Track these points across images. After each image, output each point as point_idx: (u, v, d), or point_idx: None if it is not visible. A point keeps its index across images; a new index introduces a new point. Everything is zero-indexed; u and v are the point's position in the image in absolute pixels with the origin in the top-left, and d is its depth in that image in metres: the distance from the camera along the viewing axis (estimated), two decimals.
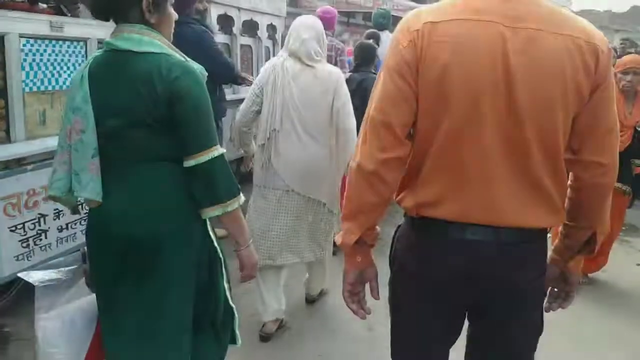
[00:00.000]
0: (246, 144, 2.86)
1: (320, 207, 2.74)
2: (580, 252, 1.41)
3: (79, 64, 3.01)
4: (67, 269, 1.75)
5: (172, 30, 1.65)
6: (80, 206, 1.72)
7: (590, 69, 1.19)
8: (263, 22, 5.40)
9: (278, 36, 5.89)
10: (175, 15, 1.65)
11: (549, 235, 1.41)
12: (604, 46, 1.21)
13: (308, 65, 2.59)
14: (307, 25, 2.65)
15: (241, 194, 1.60)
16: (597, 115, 1.24)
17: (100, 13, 1.57)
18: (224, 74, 3.58)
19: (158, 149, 1.55)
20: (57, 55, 2.87)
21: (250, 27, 5.33)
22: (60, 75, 2.91)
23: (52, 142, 2.81)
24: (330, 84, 2.60)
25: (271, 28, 5.69)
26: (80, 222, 2.99)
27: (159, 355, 1.63)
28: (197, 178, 1.54)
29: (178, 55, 1.55)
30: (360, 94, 3.58)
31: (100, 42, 3.11)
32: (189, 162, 1.52)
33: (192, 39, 3.27)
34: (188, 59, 1.58)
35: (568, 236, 1.39)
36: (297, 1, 12.00)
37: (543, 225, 1.28)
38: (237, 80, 3.87)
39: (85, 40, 3.01)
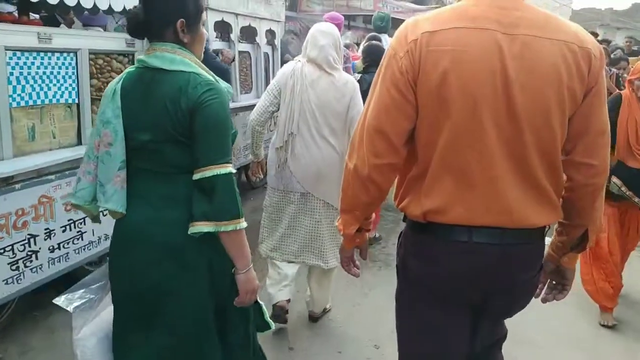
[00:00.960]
0: (258, 145, 2.89)
1: (337, 214, 2.71)
2: (573, 248, 1.47)
3: (70, 76, 2.89)
4: (97, 285, 1.79)
5: (203, 49, 1.72)
6: (99, 215, 1.77)
7: (584, 73, 1.23)
8: (261, 27, 5.28)
9: (277, 41, 5.78)
10: (206, 35, 1.70)
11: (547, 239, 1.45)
12: (596, 51, 1.25)
13: (327, 72, 2.66)
14: (323, 32, 2.71)
15: (243, 219, 1.57)
16: (589, 118, 1.27)
17: (137, 33, 1.63)
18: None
19: (183, 162, 1.57)
20: (46, 67, 2.75)
21: (249, 33, 5.21)
22: (49, 89, 2.78)
23: (42, 159, 2.71)
24: (347, 92, 2.67)
25: (270, 33, 5.57)
26: (72, 241, 2.87)
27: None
28: (199, 192, 1.54)
29: (207, 74, 1.59)
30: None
31: (92, 52, 3.01)
32: (196, 175, 1.53)
33: None
34: (217, 78, 1.63)
35: (562, 234, 1.45)
36: (296, 6, 11.93)
37: (545, 223, 1.32)
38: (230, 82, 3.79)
39: (75, 52, 2.89)
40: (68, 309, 1.73)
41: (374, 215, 1.51)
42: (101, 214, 1.81)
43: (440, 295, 1.38)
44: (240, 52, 4.94)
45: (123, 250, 1.64)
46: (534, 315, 2.00)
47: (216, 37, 4.46)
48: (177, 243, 1.58)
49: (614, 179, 2.97)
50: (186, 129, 1.53)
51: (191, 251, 1.59)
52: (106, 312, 1.74)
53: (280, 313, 2.77)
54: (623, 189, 2.96)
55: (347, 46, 6.19)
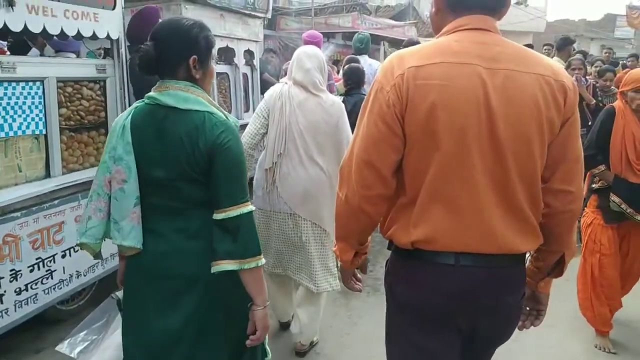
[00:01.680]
0: (249, 168, 2.79)
1: (325, 235, 2.78)
2: (550, 273, 1.51)
3: (36, 106, 2.74)
4: (98, 325, 1.78)
5: (212, 83, 1.75)
6: (100, 252, 1.75)
7: (560, 104, 1.30)
8: (239, 48, 5.19)
9: (256, 62, 5.68)
10: (215, 69, 1.74)
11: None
12: (570, 84, 1.33)
13: (313, 94, 2.70)
14: (309, 55, 2.76)
15: (262, 255, 1.63)
16: (566, 146, 1.34)
17: (149, 69, 1.61)
18: None
19: (197, 197, 1.59)
20: (10, 98, 2.60)
21: (227, 55, 5.11)
22: (14, 120, 2.63)
23: (6, 195, 2.54)
24: (335, 113, 2.73)
25: (248, 54, 5.48)
26: (41, 281, 2.69)
27: None
28: (222, 231, 1.57)
29: (220, 113, 1.61)
30: (354, 116, 3.76)
31: (60, 80, 2.87)
32: (218, 215, 1.56)
33: None
34: (228, 114, 1.65)
35: (539, 259, 1.48)
36: (275, 24, 11.90)
37: (528, 249, 1.38)
38: None
39: (42, 80, 2.75)
40: (72, 355, 1.72)
41: (370, 239, 1.54)
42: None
43: (430, 320, 1.39)
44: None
45: (141, 284, 1.64)
46: (527, 336, 1.94)
47: None
48: (195, 275, 1.60)
49: (613, 197, 2.85)
50: (203, 168, 1.55)
51: (209, 283, 1.61)
52: (115, 349, 1.74)
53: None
54: (623, 206, 2.83)
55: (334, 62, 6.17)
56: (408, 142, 1.31)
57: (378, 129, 1.31)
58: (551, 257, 1.47)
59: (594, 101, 4.87)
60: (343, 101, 3.90)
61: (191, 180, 1.57)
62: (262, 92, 6.65)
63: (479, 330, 1.40)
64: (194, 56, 1.59)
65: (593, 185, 3.03)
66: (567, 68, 5.01)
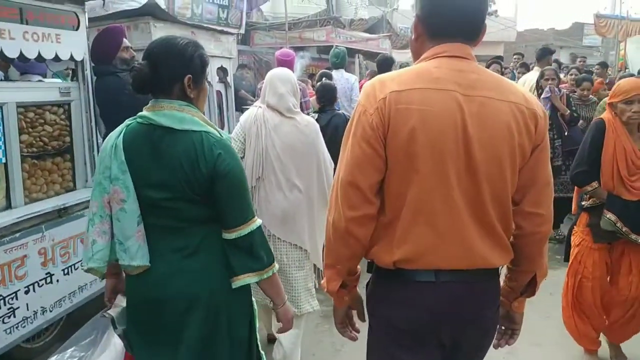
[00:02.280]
0: None
1: (304, 255, 2.79)
2: (523, 293, 1.56)
3: None
4: (87, 341, 1.79)
5: (206, 102, 1.74)
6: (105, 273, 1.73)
7: (531, 131, 1.37)
8: (212, 65, 5.06)
9: (230, 79, 5.57)
10: (207, 87, 1.74)
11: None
12: (541, 112, 1.41)
13: (287, 117, 2.71)
14: (282, 79, 2.78)
15: (275, 263, 1.70)
16: (536, 171, 1.41)
17: (143, 89, 1.60)
18: None
19: (194, 216, 1.60)
20: None
21: None
22: None
23: None
24: (309, 134, 2.75)
25: (222, 71, 5.36)
26: (2, 320, 2.51)
27: None
28: (237, 249, 1.61)
29: (215, 132, 1.61)
30: (329, 132, 3.92)
31: (20, 105, 2.72)
32: (230, 235, 1.60)
33: (114, 89, 3.05)
34: (220, 130, 1.65)
35: (512, 279, 1.55)
36: (249, 39, 11.83)
37: (501, 263, 1.44)
38: None
39: (0, 106, 2.60)
40: None
41: (359, 269, 1.53)
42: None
43: (412, 337, 1.43)
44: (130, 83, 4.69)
45: (146, 304, 1.65)
46: (515, 357, 1.95)
47: None
48: (196, 294, 1.61)
49: (608, 214, 2.68)
50: (204, 189, 1.56)
51: (210, 300, 1.63)
52: None
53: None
54: (618, 225, 2.66)
55: (303, 81, 6.10)
56: (389, 164, 1.35)
57: (362, 150, 1.35)
58: (523, 277, 1.53)
59: (568, 111, 4.84)
60: (317, 118, 4.05)
61: (189, 200, 1.57)
62: (238, 109, 6.61)
63: (461, 343, 1.45)
64: (189, 75, 1.58)
65: (583, 203, 2.89)
66: (540, 78, 5.01)
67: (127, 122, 1.64)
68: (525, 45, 23.69)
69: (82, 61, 2.99)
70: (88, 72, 3.03)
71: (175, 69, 1.58)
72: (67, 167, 3.02)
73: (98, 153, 3.11)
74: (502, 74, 6.60)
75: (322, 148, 2.82)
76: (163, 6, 4.27)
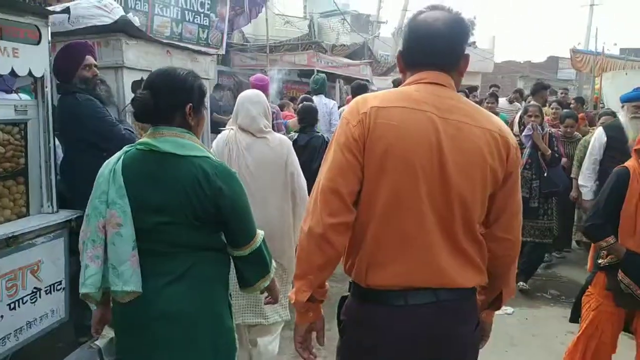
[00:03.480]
0: None
1: (278, 267, 2.79)
2: (490, 306, 1.68)
3: None
4: None
5: (204, 129, 1.85)
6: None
7: (503, 157, 1.44)
8: None
9: (207, 99, 5.37)
10: (205, 115, 1.83)
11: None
12: (513, 141, 1.49)
13: (259, 137, 2.81)
14: (253, 102, 2.86)
15: (273, 260, 1.89)
16: (508, 199, 1.49)
17: (146, 118, 1.68)
18: (116, 149, 2.97)
19: (189, 243, 1.65)
20: None
21: None
22: None
23: None
24: (283, 152, 2.84)
25: None
26: None
27: None
28: (250, 263, 1.75)
29: (215, 157, 1.70)
30: (308, 152, 4.14)
31: None
32: (244, 252, 1.71)
33: (71, 110, 2.92)
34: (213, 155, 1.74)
35: (481, 294, 1.63)
36: (230, 61, 11.70)
37: (472, 285, 1.48)
38: None
39: None
40: None
41: (327, 285, 1.56)
42: None
43: (382, 359, 1.45)
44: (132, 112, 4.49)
45: (137, 330, 1.66)
46: None
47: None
48: (189, 315, 1.65)
49: (622, 277, 2.42)
50: (207, 213, 1.63)
51: (203, 323, 1.68)
52: None
53: None
54: (632, 288, 2.41)
55: (282, 105, 6.20)
56: (365, 174, 1.42)
57: (345, 157, 1.42)
58: (491, 293, 1.64)
59: (550, 152, 4.59)
60: (296, 138, 4.31)
61: (186, 224, 1.62)
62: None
63: None
64: (190, 104, 1.67)
65: (599, 261, 2.62)
66: (523, 114, 4.76)
67: (125, 148, 1.68)
68: (501, 76, 24.19)
69: (42, 77, 2.77)
70: (48, 89, 2.81)
71: (176, 99, 1.65)
72: (20, 191, 2.76)
73: (56, 176, 2.92)
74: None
75: (296, 165, 2.89)
76: (138, 23, 4.05)
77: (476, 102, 6.41)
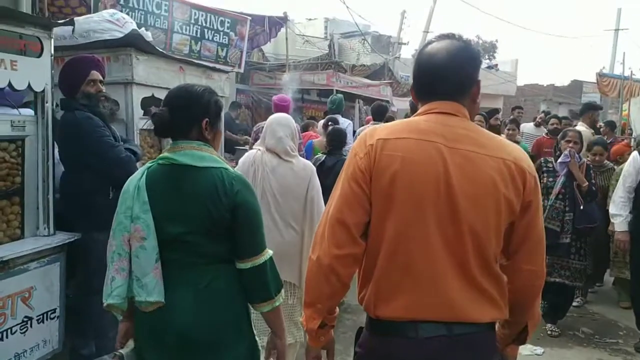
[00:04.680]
0: None
1: (293, 289, 2.92)
2: (515, 341, 1.60)
3: None
4: None
5: (221, 143, 1.91)
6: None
7: (519, 187, 1.40)
8: None
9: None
10: (222, 129, 1.90)
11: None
12: (531, 169, 1.45)
13: (285, 160, 2.87)
14: (282, 124, 2.94)
15: (283, 291, 1.83)
16: (529, 228, 1.44)
17: (164, 133, 1.78)
18: (113, 171, 2.80)
19: (210, 253, 1.70)
20: None
21: None
22: None
23: None
24: (306, 176, 2.89)
25: None
26: None
27: None
28: (252, 278, 1.73)
29: (232, 169, 1.75)
30: (333, 175, 3.87)
31: None
32: (245, 265, 1.71)
33: (70, 127, 2.75)
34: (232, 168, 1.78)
35: (505, 327, 1.58)
36: (249, 79, 11.65)
37: (487, 320, 1.41)
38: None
39: None
40: None
41: (337, 310, 1.59)
42: None
43: None
44: (151, 127, 4.33)
45: (158, 342, 1.71)
46: None
47: (144, 115, 3.84)
48: (206, 330, 1.69)
49: None
50: (224, 222, 1.68)
51: (226, 336, 1.73)
52: None
53: None
54: None
55: (307, 125, 6.46)
56: (373, 205, 1.43)
57: (352, 189, 1.43)
58: (516, 327, 1.57)
59: (587, 184, 4.04)
60: (323, 160, 4.42)
61: (206, 234, 1.67)
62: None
63: None
64: (206, 119, 1.73)
65: None
66: (561, 138, 4.25)
67: (148, 164, 1.76)
68: (524, 100, 23.82)
69: (42, 92, 2.61)
70: (49, 104, 2.66)
71: (193, 115, 1.72)
72: (15, 212, 2.59)
73: (54, 195, 2.75)
74: (491, 126, 5.92)
75: (317, 190, 2.93)
76: (150, 38, 3.91)
77: (498, 126, 6.14)
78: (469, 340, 1.39)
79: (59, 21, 3.30)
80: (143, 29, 3.98)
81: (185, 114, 1.72)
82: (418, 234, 1.38)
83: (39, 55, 2.57)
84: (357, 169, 1.44)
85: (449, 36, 1.52)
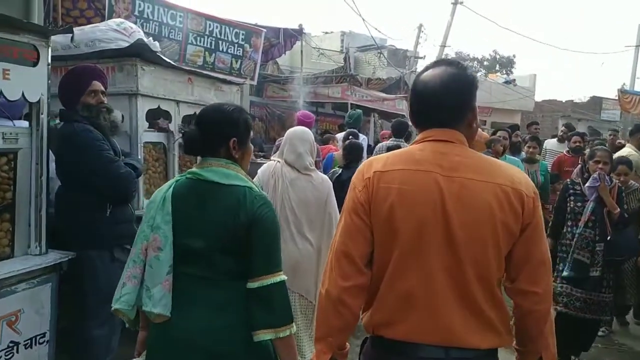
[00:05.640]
0: None
1: (311, 307, 2.94)
2: None
3: None
4: None
5: (249, 161, 1.90)
6: (135, 320, 1.80)
7: (518, 211, 1.41)
8: None
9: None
10: (252, 148, 1.91)
11: None
12: (529, 191, 1.44)
13: (304, 174, 2.92)
14: (301, 139, 2.98)
15: (294, 324, 1.75)
16: (529, 249, 1.44)
17: (193, 151, 1.85)
18: (111, 187, 2.68)
19: (229, 270, 1.70)
20: None
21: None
22: None
23: None
24: (324, 190, 2.95)
25: None
26: None
27: None
28: (257, 299, 1.68)
29: (257, 188, 1.78)
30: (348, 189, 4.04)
31: None
32: (253, 284, 1.67)
33: (67, 140, 2.64)
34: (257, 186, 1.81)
35: (520, 358, 1.58)
36: (263, 91, 11.57)
37: (486, 346, 1.43)
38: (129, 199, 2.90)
39: None
40: None
41: (347, 345, 1.61)
42: None
43: None
44: (181, 145, 4.19)
45: (168, 356, 1.70)
46: None
47: (149, 128, 3.70)
48: (225, 350, 1.67)
49: None
50: (241, 240, 1.67)
51: (243, 354, 1.69)
52: None
53: None
54: None
55: (327, 139, 6.56)
56: (375, 237, 1.47)
57: (353, 222, 1.48)
58: (530, 357, 1.55)
59: (618, 210, 3.57)
60: (340, 173, 4.47)
61: (227, 252, 1.68)
62: None
63: None
64: (234, 138, 1.75)
65: None
66: (589, 159, 3.77)
67: (177, 177, 1.81)
68: (542, 115, 23.44)
69: (37, 103, 2.47)
70: (44, 116, 2.51)
71: (222, 134, 1.75)
72: (5, 229, 2.44)
73: (47, 210, 2.59)
74: (511, 143, 5.69)
75: (334, 206, 2.97)
76: (158, 48, 3.79)
77: (518, 143, 5.86)
78: None
79: (57, 29, 3.17)
80: (151, 38, 3.85)
81: (213, 132, 1.76)
82: (417, 263, 1.40)
83: (35, 64, 2.43)
84: (357, 202, 1.48)
85: (445, 62, 1.55)
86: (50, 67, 2.52)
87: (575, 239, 3.64)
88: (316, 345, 1.54)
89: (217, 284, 1.69)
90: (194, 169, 1.76)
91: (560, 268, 3.71)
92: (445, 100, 1.47)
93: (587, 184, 3.65)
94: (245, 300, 1.69)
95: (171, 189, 1.74)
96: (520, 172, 1.50)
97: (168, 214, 1.69)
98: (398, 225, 1.41)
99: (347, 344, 1.59)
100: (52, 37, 3.62)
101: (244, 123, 1.79)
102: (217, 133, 1.76)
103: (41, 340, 2.53)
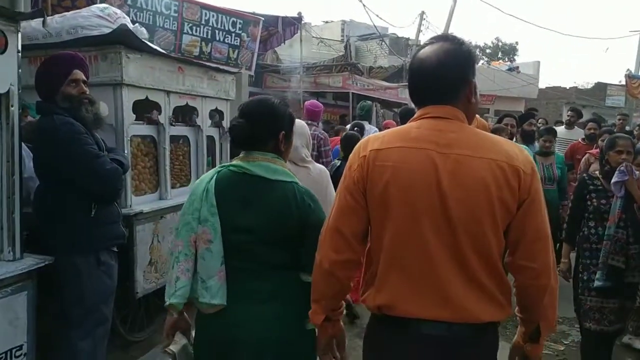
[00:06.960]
0: None
1: None
2: (531, 339, 1.60)
3: None
4: None
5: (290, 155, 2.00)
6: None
7: (514, 187, 1.41)
8: (204, 107, 4.33)
9: (226, 122, 4.83)
10: (293, 142, 1.99)
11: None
12: (526, 167, 1.43)
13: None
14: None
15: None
16: (524, 225, 1.44)
17: (244, 145, 1.82)
18: (95, 185, 2.51)
19: (274, 262, 1.74)
20: None
21: (187, 114, 4.26)
22: None
23: None
24: (322, 182, 2.96)
25: (217, 113, 4.63)
26: None
27: None
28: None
29: (301, 184, 1.82)
30: None
31: None
32: (309, 278, 1.65)
33: (46, 134, 2.46)
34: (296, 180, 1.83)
35: (520, 325, 1.63)
36: (262, 82, 11.31)
37: (489, 319, 1.45)
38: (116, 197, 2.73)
39: None
40: None
41: (343, 303, 1.70)
42: None
43: None
44: (174, 138, 3.96)
45: (216, 345, 1.74)
46: None
47: (137, 120, 3.46)
48: (276, 339, 1.71)
49: None
50: (289, 234, 1.73)
51: (282, 348, 1.72)
52: None
53: None
54: None
55: (338, 130, 6.52)
56: (370, 214, 1.50)
57: (346, 200, 1.51)
58: (528, 326, 1.58)
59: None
60: (340, 165, 4.46)
61: (273, 245, 1.71)
62: (233, 155, 5.93)
63: None
64: (283, 132, 1.81)
65: None
66: (609, 149, 3.28)
67: (217, 168, 1.83)
68: (546, 102, 23.12)
69: (6, 94, 2.24)
70: (15, 108, 2.28)
71: (272, 126, 1.79)
72: None
73: (21, 214, 2.38)
74: (524, 132, 5.22)
75: (333, 196, 2.69)
76: (145, 35, 3.55)
77: (532, 132, 5.49)
78: (468, 344, 1.44)
79: (26, 12, 2.93)
80: (137, 24, 3.61)
81: (264, 126, 1.78)
82: (415, 240, 1.42)
83: (2, 52, 2.20)
84: (351, 181, 1.50)
85: (442, 38, 1.55)
86: (20, 54, 2.29)
87: (605, 242, 3.08)
88: (312, 305, 1.63)
89: (263, 276, 1.72)
90: (239, 162, 1.77)
91: (585, 277, 3.16)
92: (439, 75, 1.48)
93: (613, 179, 3.13)
94: (292, 290, 1.73)
95: (213, 180, 1.75)
96: (517, 147, 1.49)
97: (213, 206, 1.71)
98: (394, 203, 1.43)
99: (341, 303, 1.68)
100: (33, 25, 3.44)
101: (289, 117, 1.86)
102: (267, 126, 1.79)
103: (17, 354, 2.32)
